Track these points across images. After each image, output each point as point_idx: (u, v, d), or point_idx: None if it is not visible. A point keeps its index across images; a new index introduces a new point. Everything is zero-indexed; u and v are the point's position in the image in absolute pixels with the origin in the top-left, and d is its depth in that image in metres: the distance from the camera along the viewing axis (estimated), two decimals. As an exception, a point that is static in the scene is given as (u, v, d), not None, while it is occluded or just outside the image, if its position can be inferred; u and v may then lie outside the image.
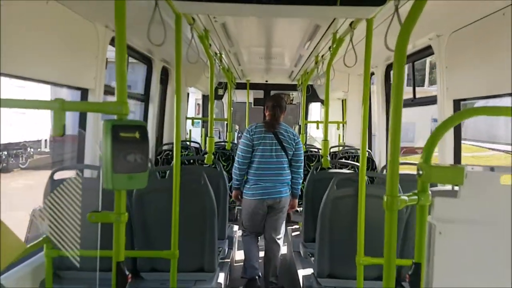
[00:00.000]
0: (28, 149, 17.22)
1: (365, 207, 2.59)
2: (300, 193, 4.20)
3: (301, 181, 4.11)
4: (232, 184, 4.19)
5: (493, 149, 21.48)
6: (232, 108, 7.77)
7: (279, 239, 4.11)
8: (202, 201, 2.89)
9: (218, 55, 5.00)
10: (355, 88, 6.20)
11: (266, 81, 8.10)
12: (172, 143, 5.99)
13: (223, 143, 6.22)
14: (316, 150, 6.31)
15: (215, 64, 4.69)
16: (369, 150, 5.76)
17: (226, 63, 6.16)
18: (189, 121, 7.93)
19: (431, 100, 4.15)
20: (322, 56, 4.56)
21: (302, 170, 4.09)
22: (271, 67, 6.77)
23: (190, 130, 6.71)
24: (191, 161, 4.70)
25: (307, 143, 6.31)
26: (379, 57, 4.97)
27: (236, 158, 4.06)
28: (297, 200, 4.24)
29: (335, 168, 4.82)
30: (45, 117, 18.04)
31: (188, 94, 7.78)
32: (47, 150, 17.45)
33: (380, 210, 2.92)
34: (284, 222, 4.20)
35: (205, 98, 8.21)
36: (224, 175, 3.94)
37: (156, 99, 5.25)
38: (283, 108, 4.12)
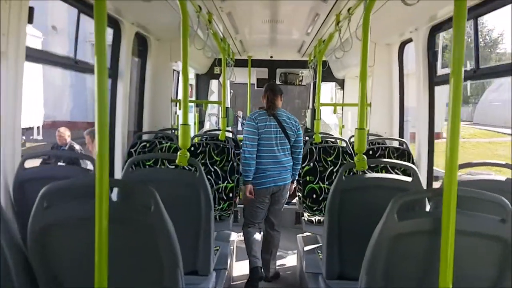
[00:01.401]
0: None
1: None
2: (297, 177, 4.23)
3: (299, 166, 4.15)
4: (243, 178, 3.93)
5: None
6: (231, 91, 6.56)
7: (278, 226, 4.20)
8: (151, 242, 1.63)
9: (206, 13, 3.74)
10: (383, 62, 4.93)
11: (271, 56, 6.80)
12: (155, 132, 4.81)
13: (218, 132, 4.98)
14: (333, 140, 5.07)
15: (198, 24, 3.43)
16: (403, 140, 4.52)
17: (221, 31, 4.91)
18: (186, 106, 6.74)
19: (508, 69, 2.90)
20: (350, 9, 3.29)
21: (301, 156, 4.12)
22: (277, 37, 5.50)
23: (177, 116, 5.48)
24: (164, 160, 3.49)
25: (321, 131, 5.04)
26: (420, 17, 3.71)
27: (243, 148, 3.90)
28: (294, 185, 4.25)
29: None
30: (38, 103, 17.09)
31: (178, 73, 6.55)
32: (40, 137, 16.60)
33: (474, 253, 1.73)
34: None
35: (199, 77, 6.94)
36: (205, 183, 2.63)
37: (127, 74, 4.04)
38: (277, 92, 4.04)
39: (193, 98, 6.92)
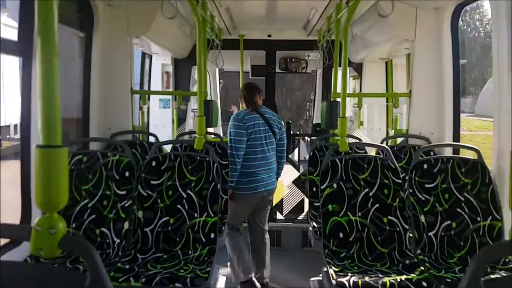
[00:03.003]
0: (-7, 135, 15.06)
1: None
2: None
3: (284, 161, 4.01)
4: (229, 182, 3.44)
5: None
6: (221, 81, 5.20)
7: (266, 229, 3.98)
8: None
9: None
10: (429, 34, 3.50)
11: (269, 35, 5.34)
12: (104, 139, 3.39)
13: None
14: (362, 150, 3.66)
15: None
16: (474, 147, 3.06)
17: None
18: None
19: None
20: None
21: (285, 154, 3.98)
22: (278, 6, 4.08)
23: (142, 113, 4.07)
24: None
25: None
26: None
27: (229, 151, 3.54)
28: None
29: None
30: (16, 99, 15.75)
31: (150, 57, 5.11)
32: (17, 136, 15.27)
33: None
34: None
35: (177, 63, 5.43)
36: None
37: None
38: (255, 89, 3.82)
39: (171, 89, 5.46)
